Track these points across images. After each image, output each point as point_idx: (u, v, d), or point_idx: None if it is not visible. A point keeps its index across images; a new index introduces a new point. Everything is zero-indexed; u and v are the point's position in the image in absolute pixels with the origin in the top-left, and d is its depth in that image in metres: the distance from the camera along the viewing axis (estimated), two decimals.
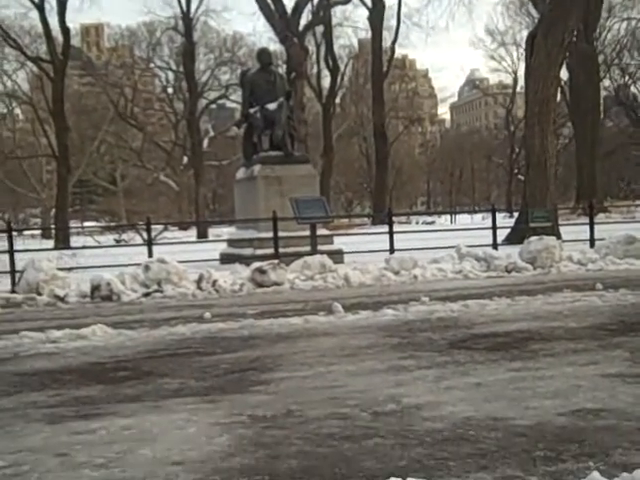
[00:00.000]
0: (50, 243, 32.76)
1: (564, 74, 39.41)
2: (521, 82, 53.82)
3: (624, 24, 52.50)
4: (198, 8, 45.45)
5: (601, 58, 49.16)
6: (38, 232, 41.45)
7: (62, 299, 11.54)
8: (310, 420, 4.51)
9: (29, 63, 46.29)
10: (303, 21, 40.33)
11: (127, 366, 6.45)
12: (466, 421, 4.34)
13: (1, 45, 45.02)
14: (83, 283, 12.10)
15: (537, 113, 21.40)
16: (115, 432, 4.42)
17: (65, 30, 39.18)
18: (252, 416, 4.65)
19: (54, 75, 39.00)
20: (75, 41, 52.59)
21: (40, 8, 38.62)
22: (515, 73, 62.16)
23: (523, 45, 32.73)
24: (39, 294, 11.72)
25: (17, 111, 62.79)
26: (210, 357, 6.70)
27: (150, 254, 15.07)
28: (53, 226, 42.02)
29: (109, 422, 4.63)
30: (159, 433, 4.38)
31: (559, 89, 33.84)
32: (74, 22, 75.26)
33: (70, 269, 14.81)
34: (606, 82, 54.46)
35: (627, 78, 57.83)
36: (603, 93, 52.15)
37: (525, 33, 42.01)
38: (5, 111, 58.18)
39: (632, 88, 59.28)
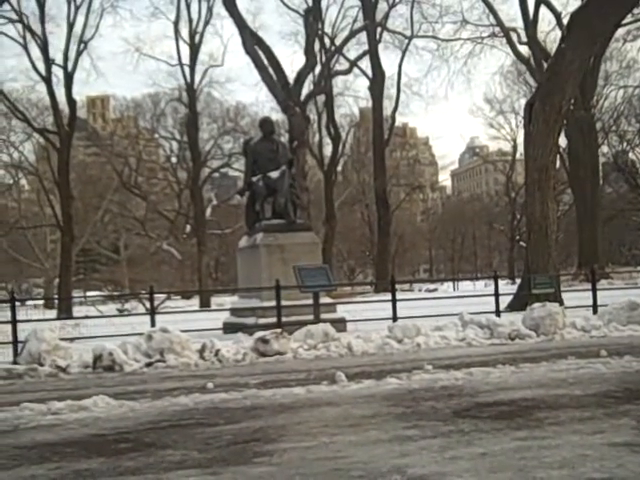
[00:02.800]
0: (53, 313, 32.72)
1: (563, 141, 39.92)
2: (520, 149, 54.28)
3: (621, 92, 53.44)
4: (202, 80, 46.38)
5: (599, 125, 49.80)
6: (41, 302, 41.40)
7: (64, 370, 11.47)
8: None
9: (36, 134, 47.06)
10: (305, 90, 41.09)
11: (129, 438, 6.39)
12: None
13: (8, 117, 45.85)
14: (85, 353, 12.04)
15: (537, 180, 21.58)
16: None
17: (71, 102, 39.95)
18: None
19: (60, 146, 39.60)
20: (81, 112, 53.49)
21: (47, 81, 39.45)
22: (514, 140, 62.93)
23: (521, 113, 33.27)
24: (41, 365, 11.65)
25: (23, 181, 63.48)
26: (213, 428, 6.65)
27: (153, 323, 15.05)
28: (56, 296, 42.01)
29: None
30: None
31: (558, 156, 34.24)
32: (80, 94, 76.31)
33: (72, 339, 14.78)
34: (604, 149, 55.07)
35: (625, 144, 58.48)
36: (602, 159, 52.65)
37: (523, 101, 42.79)
38: (11, 182, 58.81)
39: (630, 154, 59.92)
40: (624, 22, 33.71)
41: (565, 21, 28.62)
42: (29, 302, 38.05)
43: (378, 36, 46.13)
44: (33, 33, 39.21)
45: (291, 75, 39.01)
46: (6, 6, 38.46)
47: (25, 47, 39.68)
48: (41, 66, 39.55)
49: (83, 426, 7.03)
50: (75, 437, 6.56)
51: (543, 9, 39.87)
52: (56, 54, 40.06)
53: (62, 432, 6.79)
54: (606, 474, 4.54)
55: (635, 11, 33.20)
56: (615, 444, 5.33)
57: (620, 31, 39.42)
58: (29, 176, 58.00)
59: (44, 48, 39.03)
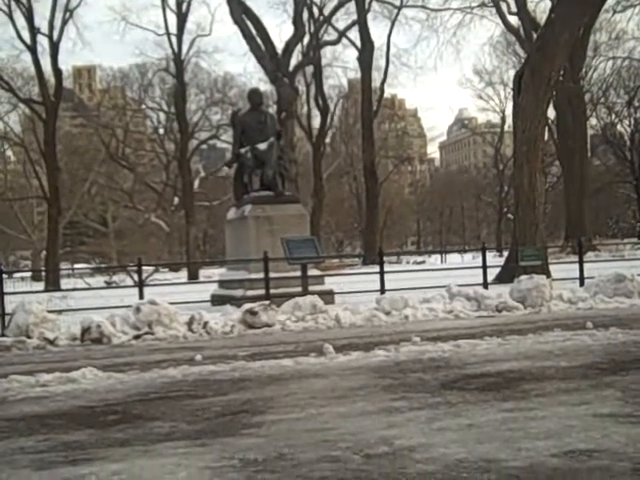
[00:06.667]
0: (40, 285, 32.62)
1: (551, 113, 39.96)
2: (509, 121, 54.53)
3: (610, 63, 53.32)
4: (189, 50, 45.95)
5: (588, 97, 49.77)
6: (28, 274, 41.24)
7: (52, 342, 11.46)
8: (302, 463, 4.48)
9: (21, 105, 46.57)
10: (293, 61, 40.86)
11: (117, 410, 6.40)
12: (459, 463, 4.32)
13: None
14: (73, 326, 12.04)
15: (525, 152, 21.58)
16: (105, 478, 4.37)
17: (57, 72, 39.46)
18: (243, 460, 4.61)
19: (46, 117, 39.19)
20: (67, 83, 53.04)
21: (32, 50, 38.93)
22: (503, 112, 62.95)
23: (510, 84, 33.23)
24: (29, 337, 11.63)
25: (8, 153, 63.03)
26: (201, 400, 6.66)
27: (141, 296, 15.02)
28: (43, 268, 41.87)
29: (99, 467, 4.58)
30: (150, 478, 4.34)
31: (547, 128, 34.24)
32: (66, 64, 75.97)
33: (60, 311, 14.74)
34: (593, 121, 55.10)
35: (613, 117, 58.55)
36: (590, 132, 52.67)
37: (512, 73, 42.51)
38: None
39: (619, 127, 59.98)
40: None
41: None
42: (16, 274, 37.90)
43: (367, 6, 45.82)
44: (18, 1, 38.56)
45: (279, 45, 38.80)
46: None
47: (10, 16, 39.05)
48: (26, 35, 39.00)
49: (71, 398, 7.03)
50: (63, 409, 6.56)
51: None
52: (41, 23, 39.69)
53: (50, 404, 6.79)
54: (591, 444, 4.58)
55: None
56: (600, 415, 5.38)
57: (610, 1, 39.14)
58: (15, 147, 57.55)
59: (29, 17, 38.44)
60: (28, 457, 4.94)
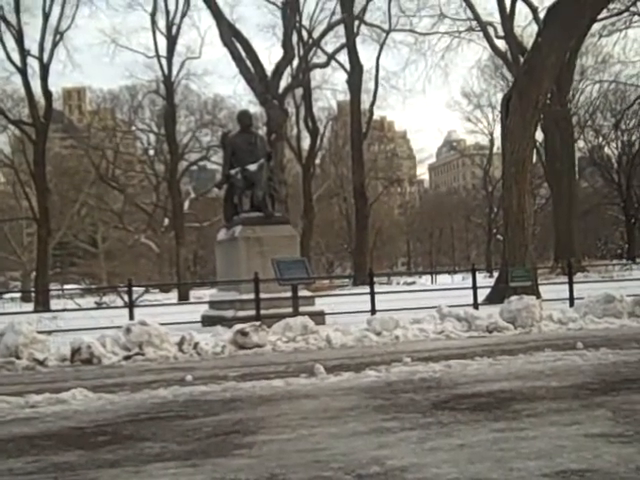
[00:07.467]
0: (30, 306, 32.49)
1: (539, 136, 40.18)
2: (497, 143, 54.82)
3: (596, 86, 53.90)
4: (179, 72, 46.07)
5: (575, 120, 50.18)
6: (18, 295, 41.05)
7: (42, 363, 11.39)
8: None
9: (11, 126, 46.64)
10: (283, 84, 41.07)
11: (107, 430, 6.37)
12: None
13: None
14: (63, 346, 11.97)
15: (514, 173, 21.71)
16: None
17: (47, 94, 39.56)
18: None
19: (36, 138, 39.23)
20: (57, 104, 52.98)
21: (23, 72, 39.03)
22: (491, 134, 63.29)
23: (498, 107, 33.38)
24: (18, 358, 11.56)
25: None
26: (192, 420, 6.64)
27: (131, 316, 14.99)
28: (33, 289, 41.69)
29: None
30: None
31: (535, 150, 34.46)
32: (56, 86, 75.45)
33: (50, 332, 14.65)
34: (580, 143, 55.57)
35: (601, 139, 59.03)
36: (578, 154, 53.07)
37: (500, 95, 42.90)
38: None
39: (606, 149, 60.45)
40: (600, 17, 33.96)
41: (541, 15, 28.81)
42: (6, 295, 37.74)
43: (356, 29, 46.12)
44: (8, 23, 38.74)
45: (269, 68, 39.00)
46: None
47: (0, 38, 39.22)
48: (16, 57, 39.12)
49: (61, 419, 6.99)
50: (53, 430, 6.52)
51: (520, 3, 40.04)
52: (31, 45, 39.60)
53: (40, 425, 6.75)
54: (583, 464, 4.59)
55: (610, 6, 33.50)
56: (592, 435, 5.39)
57: (596, 26, 39.52)
58: (4, 168, 57.45)
59: (19, 39, 38.57)
60: (17, 479, 4.91)
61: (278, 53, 41.67)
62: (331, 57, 46.83)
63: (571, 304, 17.27)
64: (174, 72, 44.82)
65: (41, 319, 17.94)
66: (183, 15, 43.31)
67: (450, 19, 44.52)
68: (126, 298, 18.54)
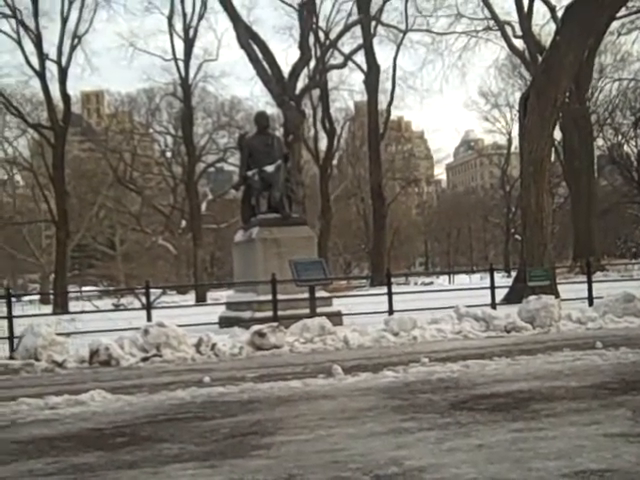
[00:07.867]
0: (49, 308, 32.70)
1: (558, 134, 39.93)
2: (515, 142, 54.43)
3: (615, 84, 53.39)
4: (196, 74, 46.18)
5: (594, 118, 49.77)
6: (37, 297, 41.33)
7: (60, 364, 11.47)
8: None
9: (30, 130, 46.99)
10: (300, 85, 41.01)
11: (126, 432, 6.40)
12: None
13: (3, 113, 45.72)
14: (82, 348, 12.04)
15: (532, 173, 21.58)
16: None
17: (66, 97, 39.78)
18: None
19: (54, 141, 39.47)
20: (76, 108, 53.42)
21: (41, 76, 39.26)
22: (509, 134, 62.97)
23: (516, 106, 33.29)
24: (37, 360, 11.64)
25: (17, 177, 63.34)
26: (210, 421, 6.65)
27: (149, 318, 15.03)
28: (52, 291, 41.96)
29: None
30: None
31: (553, 149, 34.28)
32: (75, 89, 76.21)
33: (69, 334, 14.73)
34: (599, 141, 55.06)
35: (620, 137, 58.51)
36: (597, 152, 52.65)
37: (518, 95, 42.68)
38: (6, 177, 58.66)
39: (625, 147, 59.93)
40: (618, 15, 33.73)
41: (559, 14, 28.68)
42: (25, 298, 37.99)
43: (373, 30, 46.07)
44: (27, 28, 38.99)
45: (286, 69, 38.98)
46: None
47: (19, 42, 39.45)
48: (35, 61, 39.36)
49: (80, 420, 7.03)
50: (72, 431, 6.56)
51: (537, 2, 39.90)
52: (50, 49, 39.84)
53: (59, 426, 6.79)
54: (603, 465, 4.55)
55: (629, 4, 33.20)
56: (611, 435, 5.35)
57: (614, 24, 39.37)
58: (24, 172, 57.86)
59: (38, 43, 38.82)
60: None
61: (295, 54, 41.86)
62: (348, 58, 46.79)
63: (590, 303, 17.14)
64: (191, 74, 45.00)
65: (60, 321, 18.05)
66: (200, 18, 43.48)
67: (467, 18, 44.41)
68: (144, 300, 18.63)
